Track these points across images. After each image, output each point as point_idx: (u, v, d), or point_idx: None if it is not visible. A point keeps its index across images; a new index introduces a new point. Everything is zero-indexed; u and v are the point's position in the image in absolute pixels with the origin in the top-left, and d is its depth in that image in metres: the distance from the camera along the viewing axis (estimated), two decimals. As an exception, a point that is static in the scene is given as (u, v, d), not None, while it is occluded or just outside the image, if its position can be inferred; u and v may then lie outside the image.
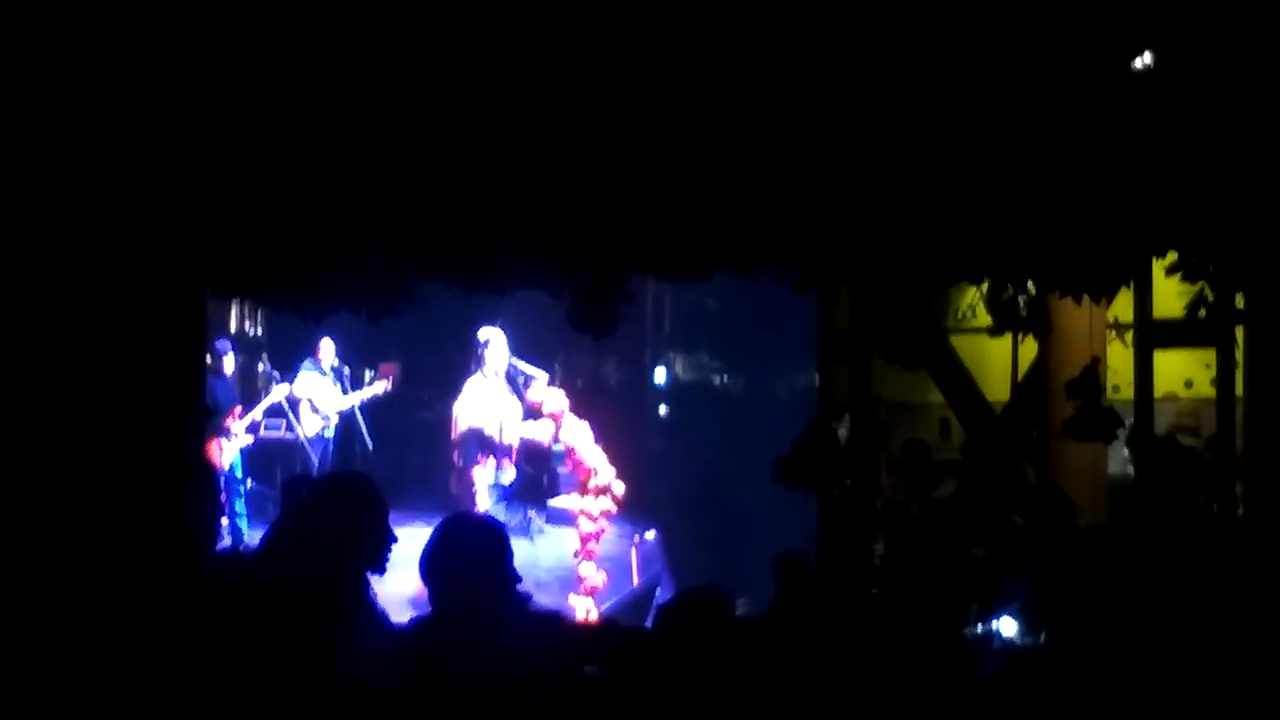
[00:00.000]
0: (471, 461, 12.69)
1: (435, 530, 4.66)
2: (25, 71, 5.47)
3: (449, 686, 4.28)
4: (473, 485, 12.60)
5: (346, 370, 15.31)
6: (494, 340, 12.75)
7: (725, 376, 20.00)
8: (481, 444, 12.72)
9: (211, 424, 13.55)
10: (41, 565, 5.08)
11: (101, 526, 5.19)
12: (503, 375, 12.88)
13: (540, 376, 12.88)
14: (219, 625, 4.52)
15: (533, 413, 12.92)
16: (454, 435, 12.80)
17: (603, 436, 12.86)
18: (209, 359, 13.97)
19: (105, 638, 4.83)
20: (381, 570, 4.76)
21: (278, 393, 14.56)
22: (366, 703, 4.29)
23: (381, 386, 15.32)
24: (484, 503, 12.66)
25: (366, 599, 4.75)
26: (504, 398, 12.79)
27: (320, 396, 14.81)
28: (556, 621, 5.29)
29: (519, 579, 4.71)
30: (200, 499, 5.44)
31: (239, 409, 14.18)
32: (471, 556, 4.58)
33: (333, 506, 4.75)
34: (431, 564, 4.58)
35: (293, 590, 4.52)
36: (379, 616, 4.76)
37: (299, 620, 4.42)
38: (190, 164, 6.02)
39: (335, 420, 15.06)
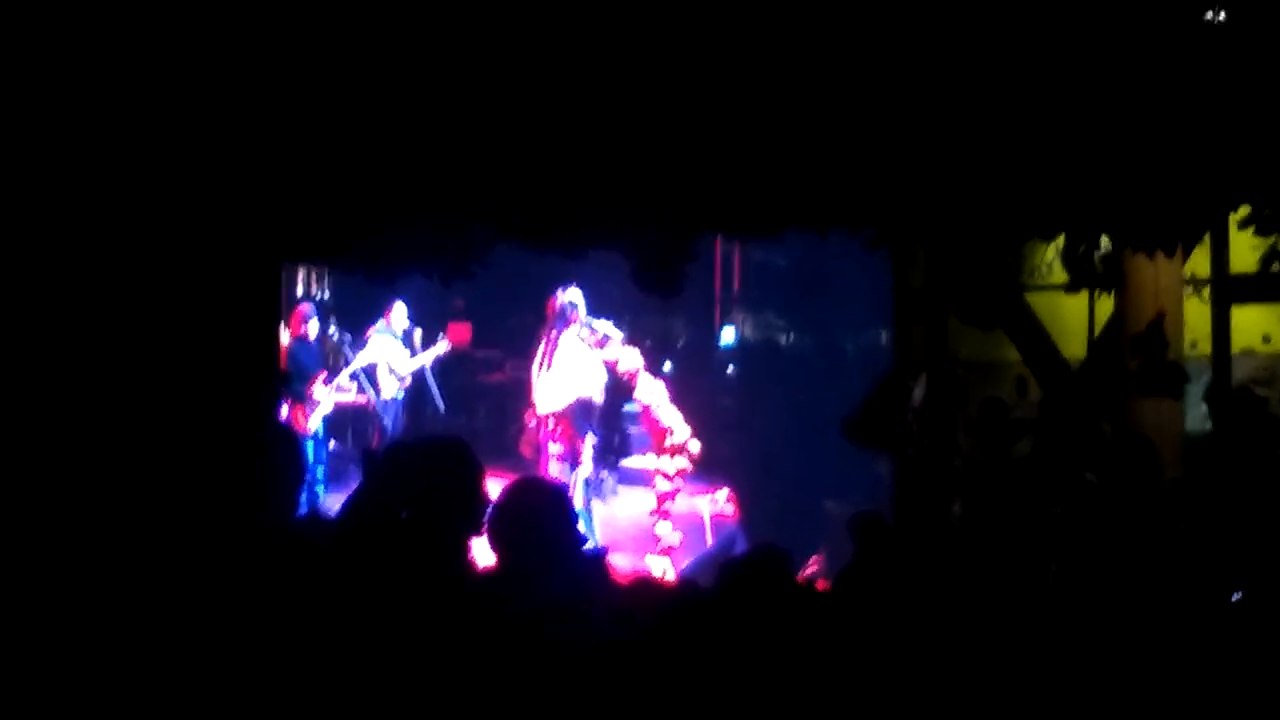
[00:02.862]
0: (583, 432, 12.66)
1: (502, 493, 4.69)
2: (101, 53, 5.50)
3: (515, 644, 4.29)
4: (579, 454, 12.58)
5: (419, 332, 15.35)
6: (580, 303, 12.67)
7: (793, 335, 19.95)
8: (588, 413, 12.71)
9: (297, 389, 13.68)
10: (122, 533, 5.12)
11: (182, 494, 5.23)
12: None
13: (616, 335, 12.80)
14: (303, 589, 4.54)
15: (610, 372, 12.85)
16: (556, 407, 12.57)
17: (672, 396, 12.82)
18: (295, 324, 14.11)
19: (183, 606, 4.87)
20: (480, 531, 4.79)
21: (362, 357, 14.59)
22: (436, 659, 4.31)
23: (444, 346, 15.32)
24: (588, 469, 12.69)
25: (466, 560, 4.77)
26: (597, 362, 12.72)
27: (396, 359, 14.84)
28: (623, 578, 5.32)
29: (585, 539, 4.73)
30: (280, 465, 5.46)
31: (324, 374, 14.19)
32: (537, 518, 4.60)
33: (437, 470, 4.77)
34: (498, 526, 4.61)
35: (391, 554, 4.55)
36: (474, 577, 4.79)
37: (404, 580, 4.45)
38: (262, 132, 6.04)
39: (409, 380, 15.09)
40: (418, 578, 4.49)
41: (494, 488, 4.74)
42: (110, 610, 4.83)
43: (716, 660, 4.54)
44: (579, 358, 12.48)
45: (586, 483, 12.59)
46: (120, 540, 5.04)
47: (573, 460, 12.43)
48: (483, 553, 4.76)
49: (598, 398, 12.68)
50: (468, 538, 4.74)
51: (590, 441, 12.64)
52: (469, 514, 4.72)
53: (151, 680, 4.58)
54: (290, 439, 5.92)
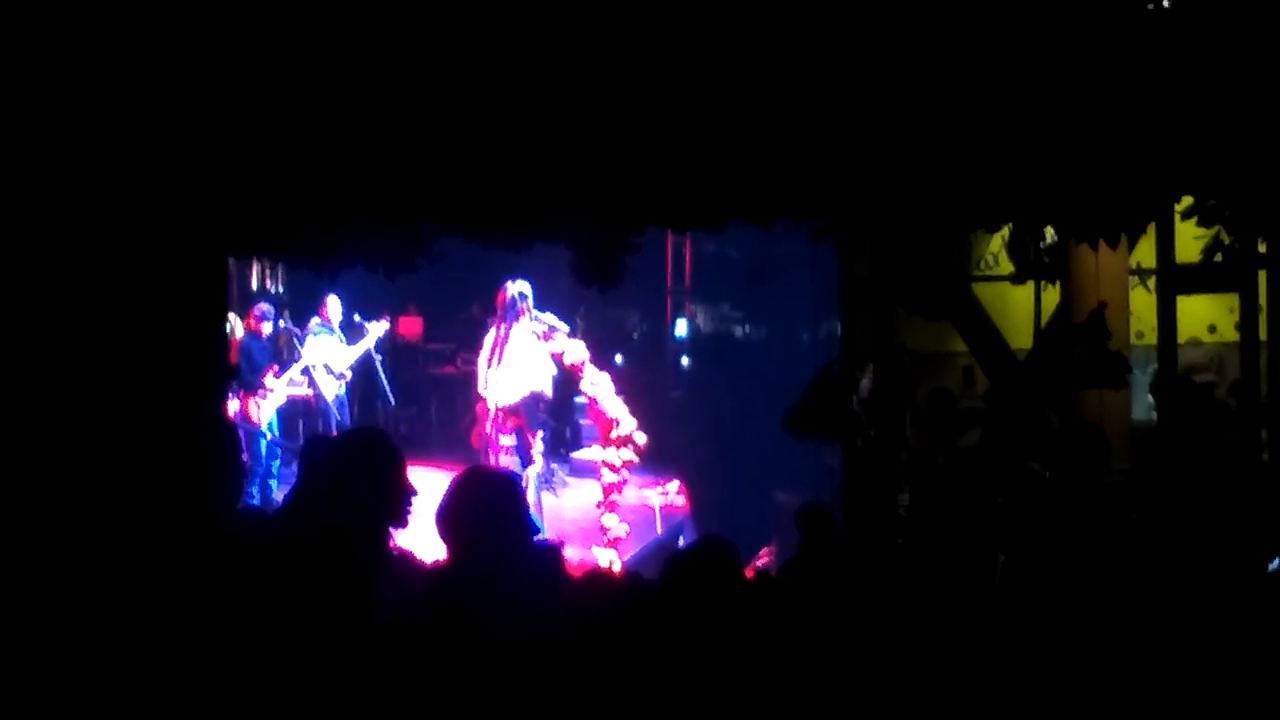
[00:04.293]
0: (536, 426, 12.67)
1: (451, 485, 4.64)
2: (42, 44, 5.44)
3: (466, 636, 4.27)
4: (530, 448, 12.57)
5: (369, 325, 15.24)
6: (529, 294, 12.61)
7: (746, 326, 19.99)
8: (539, 406, 12.71)
9: (249, 380, 13.70)
10: (64, 529, 5.08)
11: (124, 489, 5.20)
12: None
13: (562, 328, 12.77)
14: (241, 583, 4.52)
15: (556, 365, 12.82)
16: (508, 401, 12.53)
17: (624, 389, 12.82)
18: (251, 321, 14.23)
19: (128, 598, 4.84)
20: (403, 524, 4.75)
21: (308, 354, 14.57)
22: (388, 653, 4.29)
23: (381, 328, 15.25)
24: (539, 463, 12.70)
25: (387, 553, 4.74)
26: (546, 355, 12.72)
27: (332, 357, 14.78)
28: (576, 570, 5.31)
29: (537, 530, 4.70)
30: (222, 459, 5.43)
31: (276, 367, 14.22)
32: (487, 508, 4.56)
33: (349, 463, 4.73)
34: (448, 518, 4.57)
35: (316, 546, 4.52)
36: (398, 569, 4.76)
37: (322, 577, 4.43)
38: (208, 126, 6.00)
39: (349, 376, 15.02)
40: (337, 569, 4.46)
41: (444, 480, 4.69)
42: (53, 602, 4.81)
43: (661, 652, 4.53)
44: (530, 351, 12.46)
45: (537, 475, 12.60)
46: (61, 532, 5.00)
47: (524, 454, 12.42)
48: (425, 544, 4.74)
49: (548, 391, 12.68)
50: (387, 528, 4.71)
51: (540, 435, 12.65)
52: (387, 504, 4.69)
53: (91, 675, 4.57)
54: (231, 433, 5.89)
